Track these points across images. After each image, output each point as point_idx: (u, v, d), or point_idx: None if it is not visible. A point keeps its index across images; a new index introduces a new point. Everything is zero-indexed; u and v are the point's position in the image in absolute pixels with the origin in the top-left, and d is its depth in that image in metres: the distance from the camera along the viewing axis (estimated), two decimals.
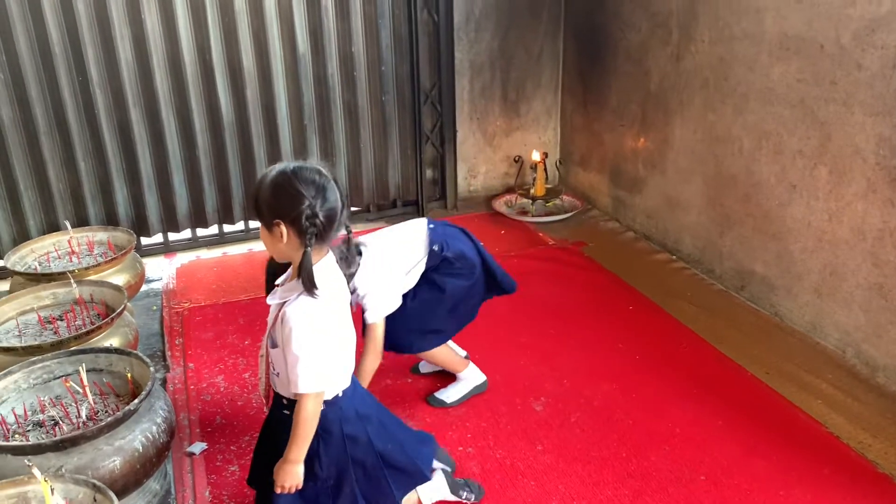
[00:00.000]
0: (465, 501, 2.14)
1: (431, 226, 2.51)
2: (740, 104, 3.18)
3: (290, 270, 1.83)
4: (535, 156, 4.43)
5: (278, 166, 1.73)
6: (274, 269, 2.28)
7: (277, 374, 1.80)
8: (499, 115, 4.58)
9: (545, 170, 4.44)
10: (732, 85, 3.22)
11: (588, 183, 4.54)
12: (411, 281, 2.44)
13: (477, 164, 4.65)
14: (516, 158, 4.61)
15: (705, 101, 3.40)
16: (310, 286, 1.69)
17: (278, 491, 1.81)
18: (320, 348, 1.73)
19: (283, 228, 1.68)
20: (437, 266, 2.46)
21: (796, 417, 2.50)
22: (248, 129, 3.94)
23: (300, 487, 1.81)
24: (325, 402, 1.79)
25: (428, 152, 4.43)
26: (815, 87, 2.79)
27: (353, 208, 4.40)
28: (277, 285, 1.83)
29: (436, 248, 2.46)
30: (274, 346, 1.77)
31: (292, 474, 1.79)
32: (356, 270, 1.98)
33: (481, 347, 2.91)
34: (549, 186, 4.50)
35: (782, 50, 2.92)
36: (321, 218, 1.69)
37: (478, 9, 4.29)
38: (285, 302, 1.74)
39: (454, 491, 2.13)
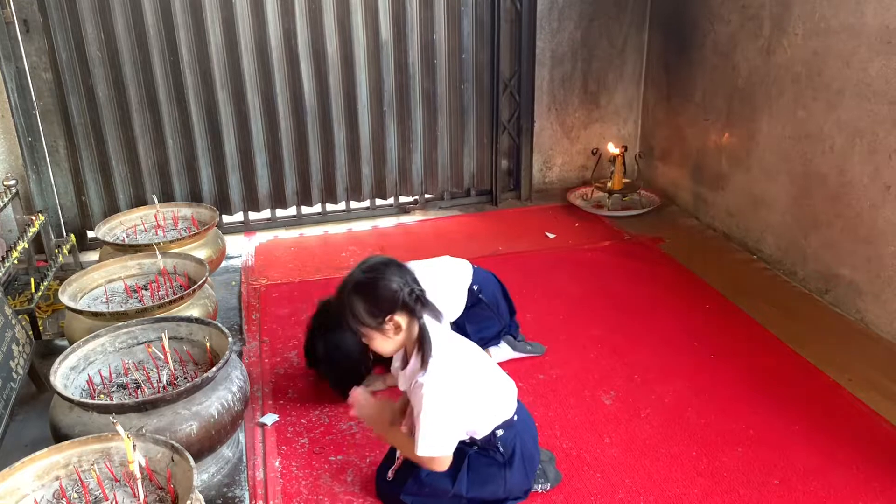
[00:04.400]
0: (541, 492, 2.12)
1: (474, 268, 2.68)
2: (834, 100, 3.05)
3: (398, 355, 2.00)
4: (614, 149, 4.36)
5: (348, 283, 1.87)
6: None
7: None
8: (578, 106, 4.52)
9: (623, 163, 4.36)
10: (826, 80, 3.09)
11: (668, 178, 4.44)
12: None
13: (553, 156, 4.61)
14: (594, 151, 4.54)
15: (796, 96, 3.27)
16: (429, 355, 1.86)
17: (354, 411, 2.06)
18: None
19: (398, 318, 1.83)
20: (468, 311, 2.60)
21: (879, 427, 2.39)
22: (329, 114, 4.01)
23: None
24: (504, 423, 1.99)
25: (504, 142, 4.42)
26: None
27: (427, 195, 4.42)
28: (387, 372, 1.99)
29: (475, 287, 2.61)
30: None
31: (380, 424, 2.03)
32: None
33: (553, 338, 2.90)
34: (626, 181, 4.42)
35: (883, 44, 2.78)
36: (418, 287, 1.86)
37: None
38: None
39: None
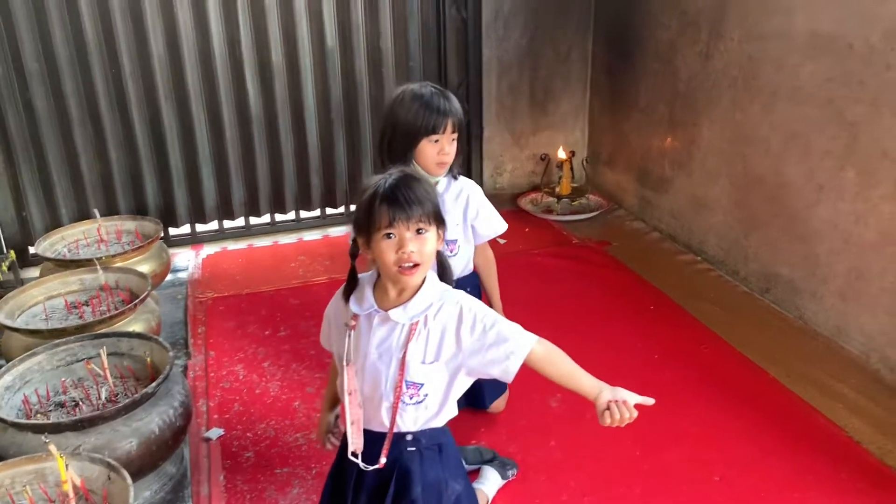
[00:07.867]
0: (511, 479, 2.22)
1: None
2: (769, 104, 3.14)
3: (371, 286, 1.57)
4: (562, 154, 4.42)
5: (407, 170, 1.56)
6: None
7: (420, 400, 1.54)
8: (526, 113, 4.56)
9: (571, 169, 4.42)
10: (761, 84, 3.17)
11: (614, 182, 4.50)
12: None
13: (503, 162, 4.64)
14: (543, 157, 4.59)
15: (733, 100, 3.36)
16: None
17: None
18: None
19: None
20: None
21: (816, 421, 2.46)
22: (275, 123, 3.99)
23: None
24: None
25: None
26: (843, 87, 2.74)
27: None
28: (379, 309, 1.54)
29: (468, 289, 2.50)
30: (435, 360, 1.54)
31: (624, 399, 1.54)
32: None
33: None
34: (575, 185, 4.47)
35: (812, 49, 2.87)
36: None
37: (507, 6, 4.27)
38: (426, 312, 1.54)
39: (504, 476, 2.20)
